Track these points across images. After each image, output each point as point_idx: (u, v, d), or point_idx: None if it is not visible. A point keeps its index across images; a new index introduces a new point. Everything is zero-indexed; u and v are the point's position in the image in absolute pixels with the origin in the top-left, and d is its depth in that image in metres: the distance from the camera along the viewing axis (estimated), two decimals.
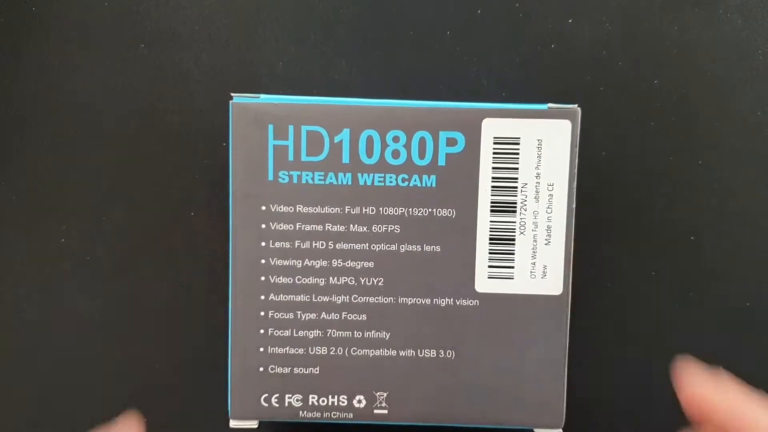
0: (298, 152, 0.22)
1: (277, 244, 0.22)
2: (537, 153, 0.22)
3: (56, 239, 0.27)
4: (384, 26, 0.27)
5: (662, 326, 0.27)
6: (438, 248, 0.22)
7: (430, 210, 0.22)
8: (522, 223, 0.22)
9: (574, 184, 0.22)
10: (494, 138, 0.22)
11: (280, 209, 0.22)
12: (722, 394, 0.18)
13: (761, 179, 0.27)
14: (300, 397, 0.23)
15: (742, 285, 0.27)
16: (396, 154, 0.22)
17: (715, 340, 0.27)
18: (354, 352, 0.23)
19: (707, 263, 0.27)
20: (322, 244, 0.22)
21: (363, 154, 0.22)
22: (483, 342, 0.22)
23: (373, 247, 0.22)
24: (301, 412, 0.23)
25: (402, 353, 0.23)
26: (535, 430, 0.23)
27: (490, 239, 0.22)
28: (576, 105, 0.22)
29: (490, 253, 0.22)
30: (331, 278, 0.23)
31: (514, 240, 0.22)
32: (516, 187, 0.22)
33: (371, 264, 0.22)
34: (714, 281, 0.27)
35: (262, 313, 0.23)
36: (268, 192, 0.22)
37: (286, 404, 0.23)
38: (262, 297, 0.23)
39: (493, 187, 0.22)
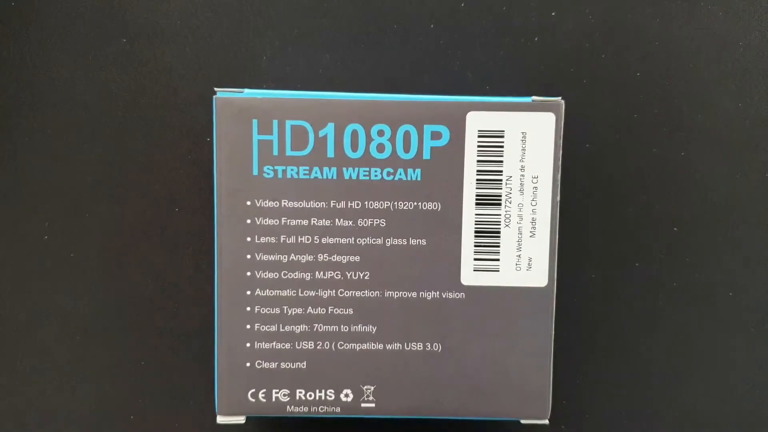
0: (283, 147, 0.22)
1: (263, 239, 0.22)
2: (521, 146, 0.22)
3: (39, 237, 0.27)
4: (368, 20, 0.27)
5: (647, 317, 0.27)
6: (424, 242, 0.22)
7: (415, 203, 0.22)
8: (507, 216, 0.22)
9: (558, 177, 0.22)
10: (479, 131, 0.22)
11: (265, 204, 0.22)
12: None
13: (743, 170, 0.27)
14: (287, 391, 0.23)
15: (725, 275, 0.27)
16: (381, 147, 0.22)
17: (699, 330, 0.27)
18: (341, 346, 0.23)
19: (691, 254, 0.27)
20: (308, 239, 0.22)
21: (348, 149, 0.22)
22: (469, 334, 0.23)
23: (359, 241, 0.22)
24: (288, 406, 0.23)
25: (389, 347, 0.23)
26: (521, 421, 0.23)
27: (476, 232, 0.22)
28: (560, 97, 0.22)
29: (475, 246, 0.22)
30: (317, 273, 0.23)
31: (499, 233, 0.22)
32: (501, 180, 0.22)
33: (357, 258, 0.22)
34: (697, 272, 0.27)
35: (249, 309, 0.23)
36: (253, 187, 0.22)
37: (274, 399, 0.23)
38: (248, 292, 0.22)
39: (477, 180, 0.22)
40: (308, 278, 0.23)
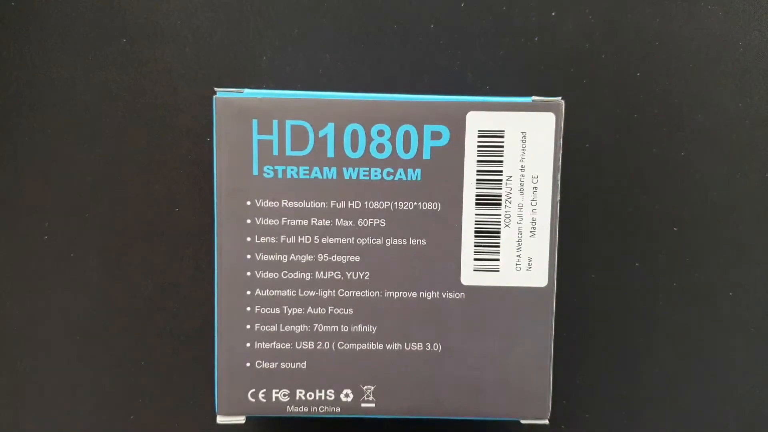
0: (283, 147, 0.22)
1: (263, 239, 0.22)
2: (521, 146, 0.22)
3: (39, 236, 0.27)
4: (368, 20, 0.27)
5: (646, 317, 0.27)
6: (424, 242, 0.22)
7: (415, 204, 0.22)
8: (507, 216, 0.22)
9: (558, 177, 0.22)
10: (479, 131, 0.22)
11: (266, 204, 0.22)
12: None
13: (743, 170, 0.27)
14: (287, 391, 0.23)
15: (725, 275, 0.27)
16: (381, 147, 0.22)
17: (699, 330, 0.27)
18: (341, 346, 0.23)
19: (691, 254, 0.27)
20: (308, 239, 0.22)
21: (348, 148, 0.22)
22: (469, 334, 0.23)
23: (359, 241, 0.22)
24: (288, 406, 0.23)
25: (389, 347, 0.23)
26: (521, 421, 0.23)
27: (476, 232, 0.22)
28: (560, 97, 0.22)
29: (475, 246, 0.22)
30: (317, 273, 0.23)
31: (499, 233, 0.22)
32: (501, 180, 0.22)
33: (357, 258, 0.22)
34: (697, 272, 0.27)
35: (249, 309, 0.23)
36: (253, 187, 0.22)
37: (273, 399, 0.23)
38: (248, 292, 0.22)
39: (477, 180, 0.22)
40: (308, 278, 0.23)
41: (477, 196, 0.22)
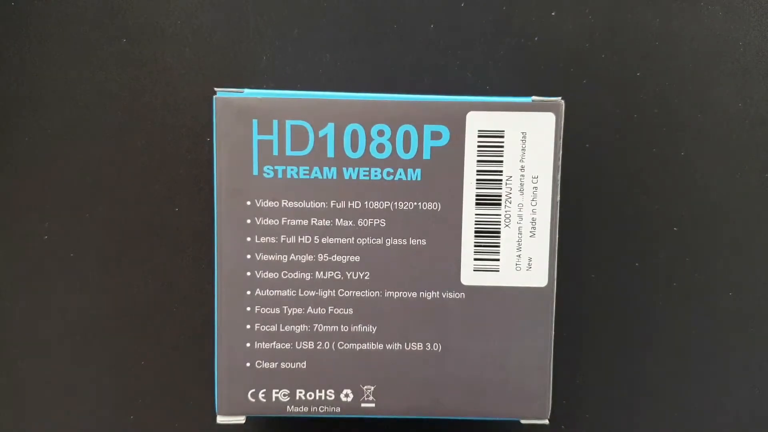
0: (283, 147, 0.22)
1: (263, 239, 0.22)
2: (521, 146, 0.22)
3: (39, 237, 0.27)
4: (368, 20, 0.27)
5: (646, 317, 0.27)
6: (424, 242, 0.22)
7: (415, 204, 0.22)
8: (507, 216, 0.22)
9: (558, 177, 0.22)
10: (479, 131, 0.22)
11: (266, 204, 0.22)
12: None
13: (742, 170, 0.27)
14: (287, 391, 0.23)
15: (725, 275, 0.27)
16: (381, 147, 0.22)
17: (699, 330, 0.27)
18: (341, 346, 0.23)
19: (690, 254, 0.27)
20: (308, 239, 0.22)
21: (348, 149, 0.22)
22: (469, 334, 0.23)
23: (359, 241, 0.22)
24: (288, 406, 0.23)
25: (389, 347, 0.23)
26: (521, 421, 0.23)
27: (476, 232, 0.22)
28: (560, 97, 0.22)
29: (475, 246, 0.22)
30: (317, 273, 0.23)
31: (499, 233, 0.22)
32: (501, 180, 0.22)
33: (357, 258, 0.22)
34: (697, 272, 0.27)
35: (249, 308, 0.23)
36: (253, 187, 0.22)
37: (274, 399, 0.23)
38: (248, 292, 0.22)
39: (477, 180, 0.22)
40: (308, 278, 0.23)
41: (477, 196, 0.22)
